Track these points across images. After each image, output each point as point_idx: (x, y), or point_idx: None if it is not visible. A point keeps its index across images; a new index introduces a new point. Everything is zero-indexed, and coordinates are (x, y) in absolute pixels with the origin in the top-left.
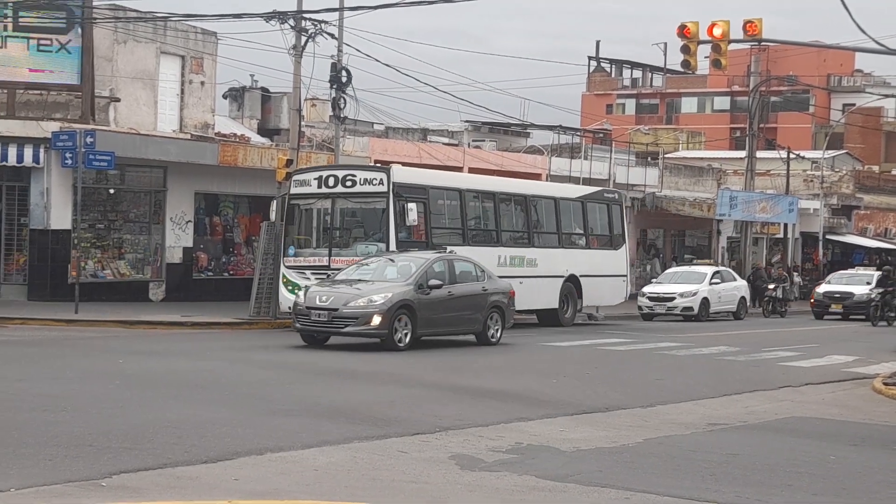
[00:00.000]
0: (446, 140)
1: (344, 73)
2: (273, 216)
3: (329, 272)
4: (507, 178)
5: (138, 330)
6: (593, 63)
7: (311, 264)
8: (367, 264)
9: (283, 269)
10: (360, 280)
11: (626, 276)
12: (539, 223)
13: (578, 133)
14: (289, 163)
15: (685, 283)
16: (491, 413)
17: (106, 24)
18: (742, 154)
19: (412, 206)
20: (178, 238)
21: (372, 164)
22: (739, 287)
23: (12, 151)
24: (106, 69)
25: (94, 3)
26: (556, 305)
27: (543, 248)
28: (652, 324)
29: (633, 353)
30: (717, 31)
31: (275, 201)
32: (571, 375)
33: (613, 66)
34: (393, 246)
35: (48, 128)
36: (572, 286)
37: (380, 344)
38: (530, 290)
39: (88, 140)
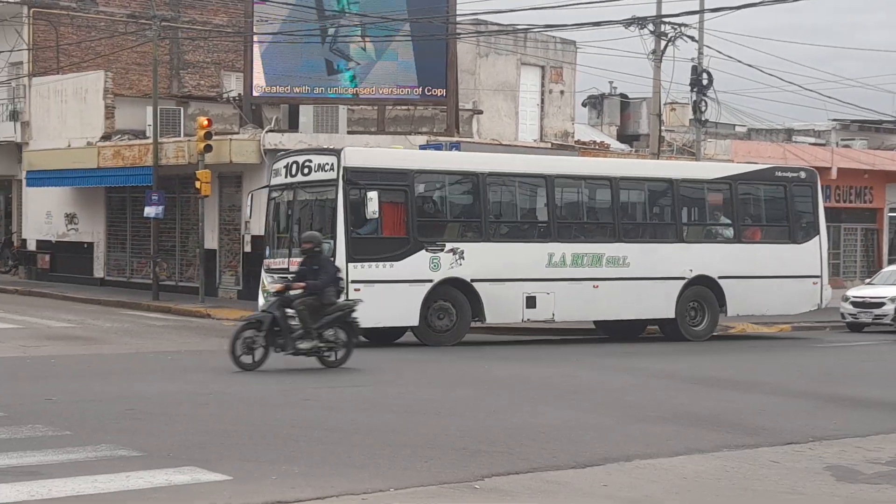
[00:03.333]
0: (812, 140)
1: (705, 75)
2: (247, 213)
3: (290, 275)
4: (588, 157)
5: (500, 336)
6: None
7: (278, 266)
8: None
9: (262, 273)
10: None
11: (818, 277)
12: (635, 212)
13: None
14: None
15: None
16: (868, 423)
17: (469, 38)
18: None
19: (372, 194)
20: None
21: (326, 147)
22: None
23: None
24: (469, 82)
25: (458, 20)
26: (672, 314)
27: (642, 243)
28: (853, 336)
29: None
30: None
31: (248, 195)
32: None
33: None
34: (342, 243)
35: (416, 141)
36: (707, 290)
37: None
38: (615, 296)
39: (454, 152)
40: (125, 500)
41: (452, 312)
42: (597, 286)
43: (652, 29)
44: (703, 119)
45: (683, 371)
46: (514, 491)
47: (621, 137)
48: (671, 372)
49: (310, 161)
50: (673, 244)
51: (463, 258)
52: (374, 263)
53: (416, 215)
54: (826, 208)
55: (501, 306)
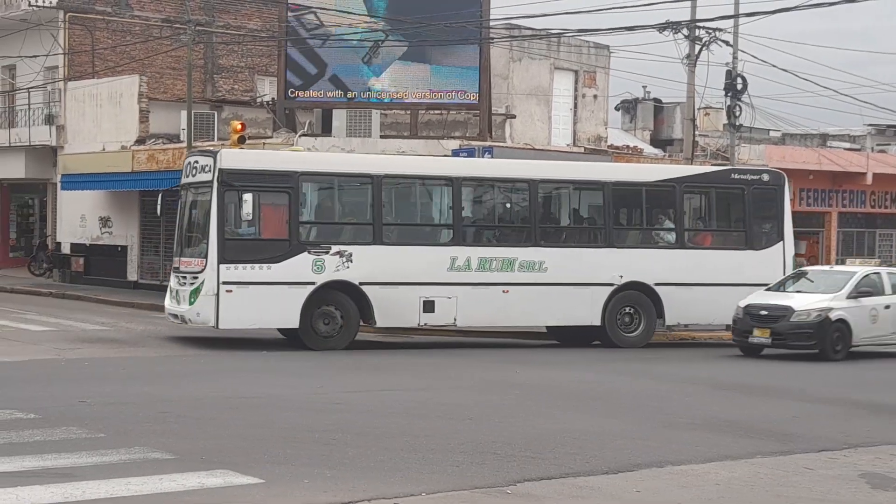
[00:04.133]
0: (847, 145)
1: (739, 80)
2: (158, 211)
3: (178, 275)
4: (504, 160)
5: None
6: None
7: (175, 266)
8: None
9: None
10: None
11: None
12: (558, 215)
13: None
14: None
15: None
16: None
17: (502, 43)
18: None
19: (247, 196)
20: None
21: (208, 148)
22: None
23: None
24: (502, 87)
25: (491, 24)
26: (598, 321)
27: (564, 248)
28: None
29: None
30: None
31: (160, 195)
32: None
33: None
34: (214, 245)
35: (448, 146)
36: (643, 297)
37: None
38: (529, 302)
39: (486, 156)
40: (158, 502)
41: (336, 316)
42: (507, 291)
43: (686, 33)
44: (737, 124)
45: (704, 377)
46: (547, 496)
47: (655, 142)
48: (692, 377)
49: (196, 162)
50: (601, 249)
51: (351, 261)
52: (249, 265)
53: (300, 217)
54: (861, 213)
55: (394, 310)
